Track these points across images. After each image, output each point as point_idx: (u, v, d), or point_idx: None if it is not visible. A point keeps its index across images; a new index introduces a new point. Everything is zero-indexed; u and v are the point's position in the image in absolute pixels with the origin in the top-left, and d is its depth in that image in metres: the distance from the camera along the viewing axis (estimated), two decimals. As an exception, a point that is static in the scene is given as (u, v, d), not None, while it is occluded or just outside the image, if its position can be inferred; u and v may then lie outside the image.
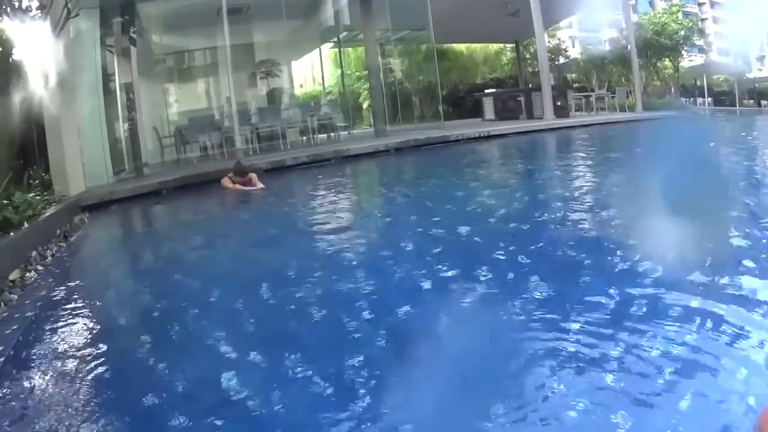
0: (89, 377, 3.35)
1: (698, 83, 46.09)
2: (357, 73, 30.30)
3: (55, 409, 2.99)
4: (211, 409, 2.92)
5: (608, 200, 7.94)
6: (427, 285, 4.53)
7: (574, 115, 26.54)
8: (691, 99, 46.40)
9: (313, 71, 30.04)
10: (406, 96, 25.21)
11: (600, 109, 29.70)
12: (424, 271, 4.90)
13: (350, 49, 29.11)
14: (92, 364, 3.48)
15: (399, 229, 7.12)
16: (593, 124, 22.75)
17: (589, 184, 9.89)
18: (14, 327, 4.13)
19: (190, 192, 11.75)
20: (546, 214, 7.13)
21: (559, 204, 7.83)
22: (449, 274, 4.77)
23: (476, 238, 6.08)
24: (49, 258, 6.39)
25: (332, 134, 20.26)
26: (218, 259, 6.33)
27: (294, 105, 21.59)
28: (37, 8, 10.19)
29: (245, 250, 6.68)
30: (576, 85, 41.91)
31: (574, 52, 47.03)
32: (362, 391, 2.94)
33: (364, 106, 29.61)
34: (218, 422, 2.79)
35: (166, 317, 4.41)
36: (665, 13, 43.23)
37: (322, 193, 10.58)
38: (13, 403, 3.10)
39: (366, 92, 27.47)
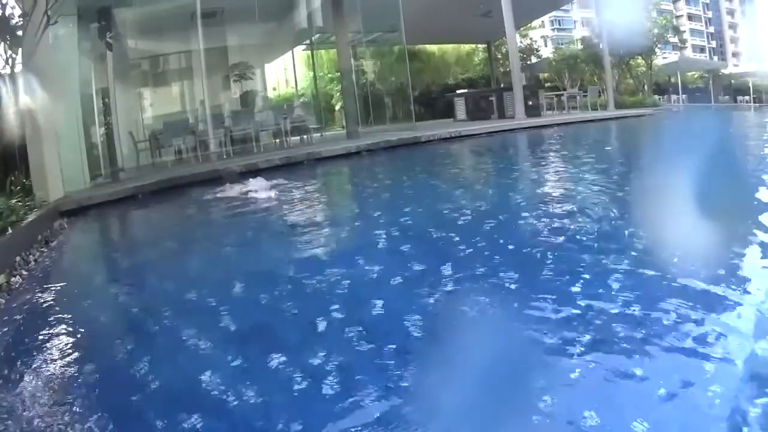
0: (76, 377, 3.57)
1: (672, 80, 46.60)
2: (330, 75, 30.44)
3: (42, 408, 3.20)
4: (191, 407, 3.05)
5: (566, 196, 8.39)
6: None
7: (545, 114, 26.91)
8: (666, 96, 46.84)
9: (286, 74, 30.20)
10: (379, 97, 25.42)
11: (572, 108, 30.11)
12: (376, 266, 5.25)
13: (323, 51, 29.20)
14: (77, 365, 3.76)
15: (362, 226, 7.46)
16: (563, 123, 23.15)
17: (549, 180, 10.34)
18: (4, 329, 4.40)
19: (165, 195, 11.94)
20: (499, 211, 7.60)
21: (518, 200, 8.46)
22: (415, 267, 5.09)
23: (441, 234, 6.40)
24: (33, 263, 6.64)
25: (305, 137, 20.38)
26: (190, 260, 6.61)
27: (267, 108, 21.80)
28: (19, 16, 10.34)
29: (215, 251, 6.97)
30: (548, 84, 42.21)
31: (547, 51, 47.36)
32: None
33: (337, 107, 29.77)
34: (198, 421, 2.91)
35: (143, 316, 4.73)
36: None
37: (296, 195, 10.77)
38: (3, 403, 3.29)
39: (339, 94, 27.64)
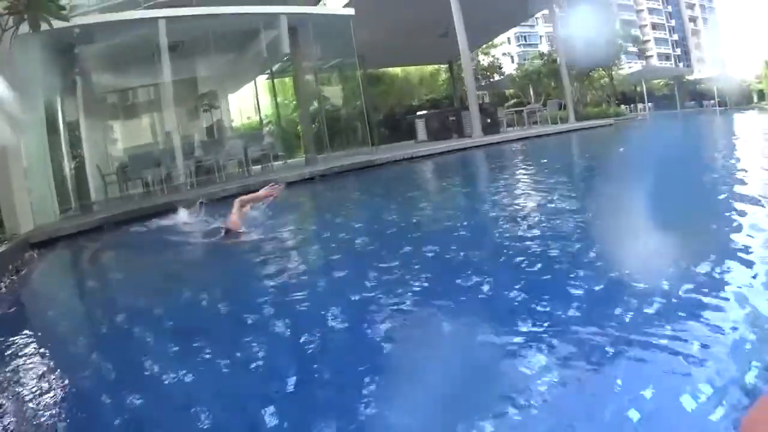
0: (44, 388, 3.97)
1: (638, 89, 47.69)
2: (293, 103, 30.86)
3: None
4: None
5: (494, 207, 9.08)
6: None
7: (506, 131, 27.52)
8: (632, 105, 47.66)
9: (248, 103, 30.41)
10: (338, 123, 25.89)
11: (533, 123, 30.92)
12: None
13: (286, 79, 29.62)
14: (45, 377, 4.34)
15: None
16: (519, 139, 23.75)
17: (485, 194, 11.27)
18: None
19: (130, 225, 12.48)
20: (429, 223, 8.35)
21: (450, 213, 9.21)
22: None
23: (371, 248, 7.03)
24: (3, 289, 7.25)
25: (267, 164, 20.81)
26: (147, 285, 7.20)
27: (231, 137, 22.31)
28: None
29: (167, 276, 7.48)
30: (514, 100, 43.01)
31: (512, 68, 48.06)
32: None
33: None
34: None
35: (105, 336, 5.26)
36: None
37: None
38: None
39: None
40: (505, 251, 5.86)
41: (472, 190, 12.57)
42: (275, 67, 26.76)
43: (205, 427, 3.06)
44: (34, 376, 4.13)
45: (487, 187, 12.63)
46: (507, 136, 24.76)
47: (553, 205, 8.15)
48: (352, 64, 23.82)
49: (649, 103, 46.90)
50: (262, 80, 29.14)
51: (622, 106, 43.84)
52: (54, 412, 3.50)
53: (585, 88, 42.73)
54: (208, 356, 4.00)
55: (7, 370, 4.28)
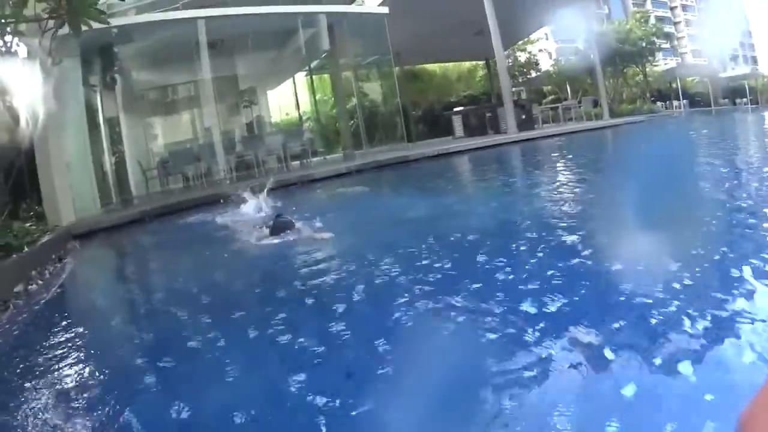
0: (79, 363, 4.32)
1: (674, 86, 47.02)
2: (332, 99, 30.93)
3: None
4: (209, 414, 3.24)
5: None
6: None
7: (541, 127, 27.62)
8: (668, 102, 47.14)
9: (287, 100, 30.63)
10: (374, 119, 26.05)
11: (568, 120, 30.80)
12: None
13: (324, 75, 29.75)
14: (81, 337, 4.94)
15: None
16: (552, 135, 23.90)
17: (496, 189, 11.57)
18: (24, 315, 5.57)
19: (169, 218, 12.83)
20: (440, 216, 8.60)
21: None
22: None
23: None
24: (47, 275, 7.58)
25: (306, 160, 20.98)
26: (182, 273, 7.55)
27: (270, 133, 22.63)
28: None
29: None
30: (552, 96, 42.89)
31: (548, 64, 47.84)
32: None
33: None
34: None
35: (140, 318, 5.80)
36: (632, 20, 44.29)
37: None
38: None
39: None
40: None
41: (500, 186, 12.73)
42: (313, 65, 26.92)
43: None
44: (80, 341, 4.56)
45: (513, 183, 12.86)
46: (541, 132, 24.82)
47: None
48: (387, 61, 23.94)
49: (684, 101, 46.38)
50: (301, 77, 29.27)
51: (658, 103, 43.39)
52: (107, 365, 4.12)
53: (620, 86, 42.49)
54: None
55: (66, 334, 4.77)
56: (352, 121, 24.74)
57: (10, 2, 8.77)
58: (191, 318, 4.95)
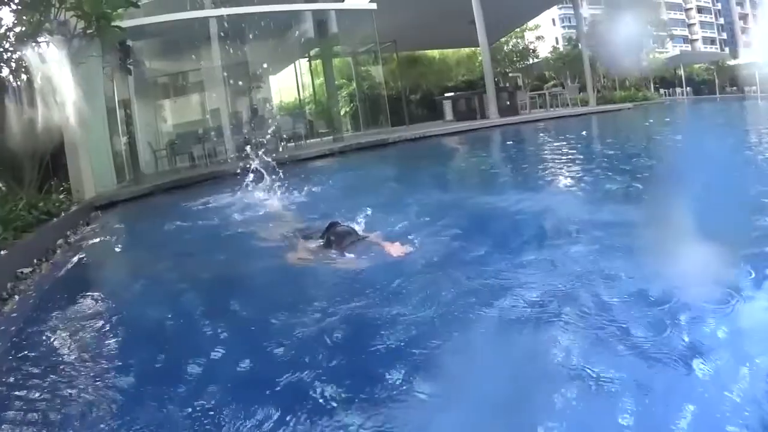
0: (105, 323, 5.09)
1: (678, 73, 47.15)
2: (323, 87, 31.88)
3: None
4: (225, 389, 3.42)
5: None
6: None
7: (529, 113, 28.83)
8: (671, 89, 47.53)
9: (284, 86, 32.30)
10: (364, 104, 27.23)
11: (555, 106, 31.83)
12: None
13: (317, 61, 30.60)
14: (105, 286, 7.28)
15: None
16: (531, 121, 25.34)
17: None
18: (61, 266, 7.69)
19: (177, 192, 15.01)
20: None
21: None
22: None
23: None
24: (79, 234, 9.84)
25: (300, 142, 22.82)
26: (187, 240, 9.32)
27: (271, 117, 24.53)
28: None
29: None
30: (552, 82, 43.79)
31: (547, 51, 48.48)
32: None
33: (342, 113, 31.59)
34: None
35: (143, 264, 7.69)
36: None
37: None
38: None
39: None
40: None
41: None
42: (313, 52, 28.91)
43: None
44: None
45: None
46: (521, 118, 26.22)
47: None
48: (376, 52, 26.05)
49: (688, 88, 46.83)
50: (299, 65, 30.69)
51: (661, 91, 44.04)
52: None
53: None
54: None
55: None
56: (351, 105, 27.11)
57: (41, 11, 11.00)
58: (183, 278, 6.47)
